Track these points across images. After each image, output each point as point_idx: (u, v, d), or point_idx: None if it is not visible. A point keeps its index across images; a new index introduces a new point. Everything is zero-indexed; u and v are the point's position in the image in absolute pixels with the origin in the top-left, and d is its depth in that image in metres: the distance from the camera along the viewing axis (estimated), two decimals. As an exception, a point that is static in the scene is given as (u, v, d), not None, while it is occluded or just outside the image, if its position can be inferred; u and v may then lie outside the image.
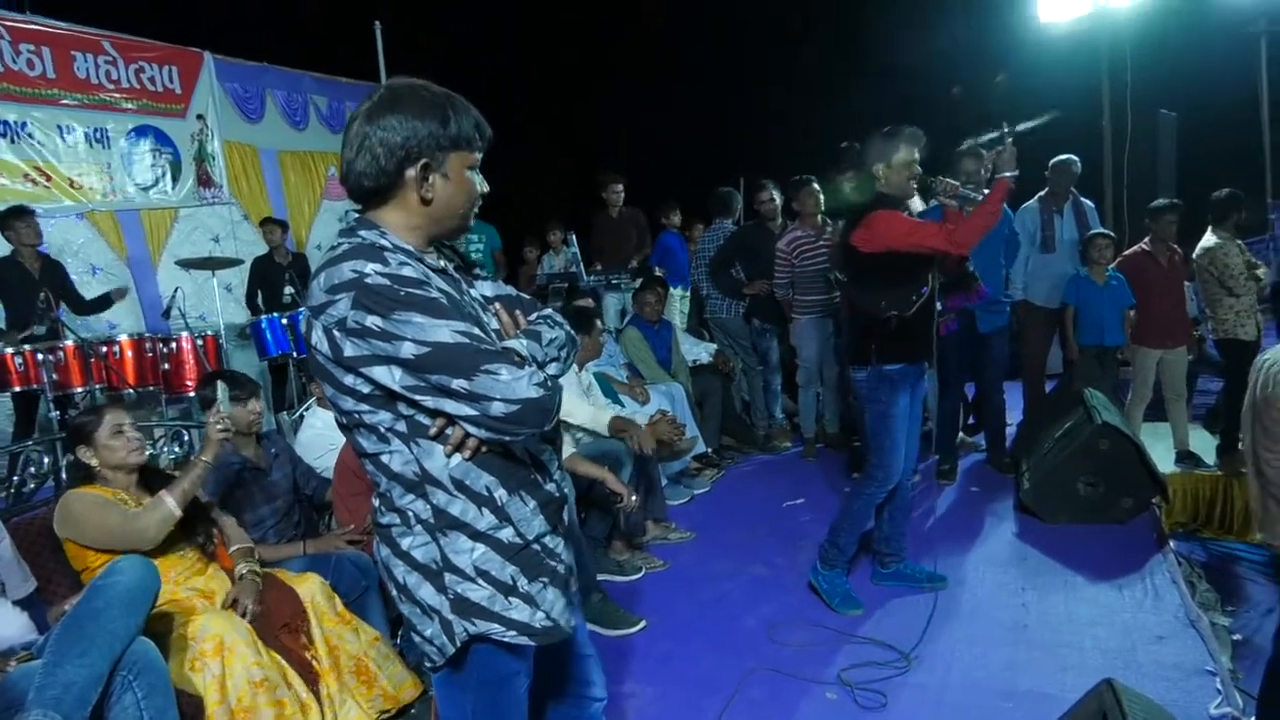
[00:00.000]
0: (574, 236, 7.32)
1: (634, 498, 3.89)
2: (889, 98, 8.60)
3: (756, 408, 6.71)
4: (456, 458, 1.75)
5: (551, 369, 1.78)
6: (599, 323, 4.69)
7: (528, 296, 1.99)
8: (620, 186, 7.74)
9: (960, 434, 6.09)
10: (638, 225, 7.84)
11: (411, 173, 1.74)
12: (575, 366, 4.66)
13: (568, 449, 4.01)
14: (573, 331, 1.92)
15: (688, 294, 7.70)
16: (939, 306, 3.90)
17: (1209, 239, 5.55)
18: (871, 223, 3.63)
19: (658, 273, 7.25)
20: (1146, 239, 5.75)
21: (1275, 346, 3.23)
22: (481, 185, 1.83)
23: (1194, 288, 6.12)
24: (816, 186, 5.87)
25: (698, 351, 6.60)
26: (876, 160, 3.68)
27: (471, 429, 1.70)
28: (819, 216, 5.93)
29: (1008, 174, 3.54)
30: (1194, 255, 5.64)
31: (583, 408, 4.52)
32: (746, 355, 6.73)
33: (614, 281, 7.35)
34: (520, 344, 1.76)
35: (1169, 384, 5.67)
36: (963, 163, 5.20)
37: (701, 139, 12.02)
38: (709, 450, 6.02)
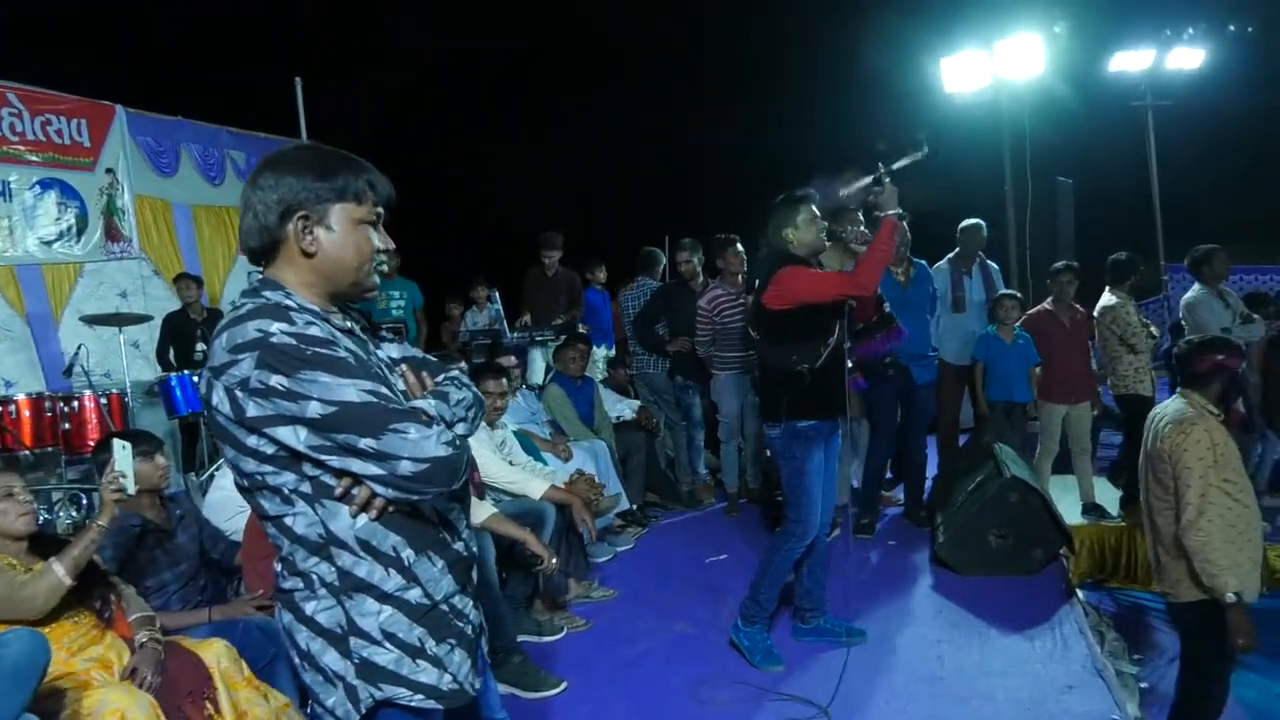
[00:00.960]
0: (498, 294, 7.31)
1: (554, 560, 3.85)
2: (812, 154, 8.86)
3: (680, 463, 6.74)
4: (362, 518, 1.72)
5: (459, 428, 1.78)
6: (505, 380, 4.67)
7: (434, 358, 2.00)
8: (557, 250, 7.78)
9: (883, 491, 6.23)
10: (570, 287, 7.92)
11: (291, 226, 1.76)
12: (487, 424, 4.61)
13: (487, 509, 3.96)
14: (479, 392, 1.93)
15: (611, 351, 7.72)
16: (849, 364, 3.99)
17: (1108, 298, 5.82)
18: (779, 280, 3.74)
19: (581, 329, 7.29)
20: (1049, 299, 6.00)
21: (1164, 401, 3.41)
22: (382, 242, 1.83)
23: (1095, 345, 6.37)
24: (740, 247, 5.98)
25: (621, 408, 6.63)
26: (784, 227, 3.82)
27: (379, 488, 1.68)
28: (740, 276, 6.05)
29: (891, 211, 3.67)
30: (1095, 314, 5.90)
31: (506, 469, 4.47)
32: (670, 411, 6.78)
33: (539, 338, 7.36)
34: (428, 404, 1.76)
35: (1074, 438, 5.87)
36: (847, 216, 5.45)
37: (628, 197, 12.25)
38: (633, 507, 6.00)
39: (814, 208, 3.81)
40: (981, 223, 6.34)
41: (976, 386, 5.96)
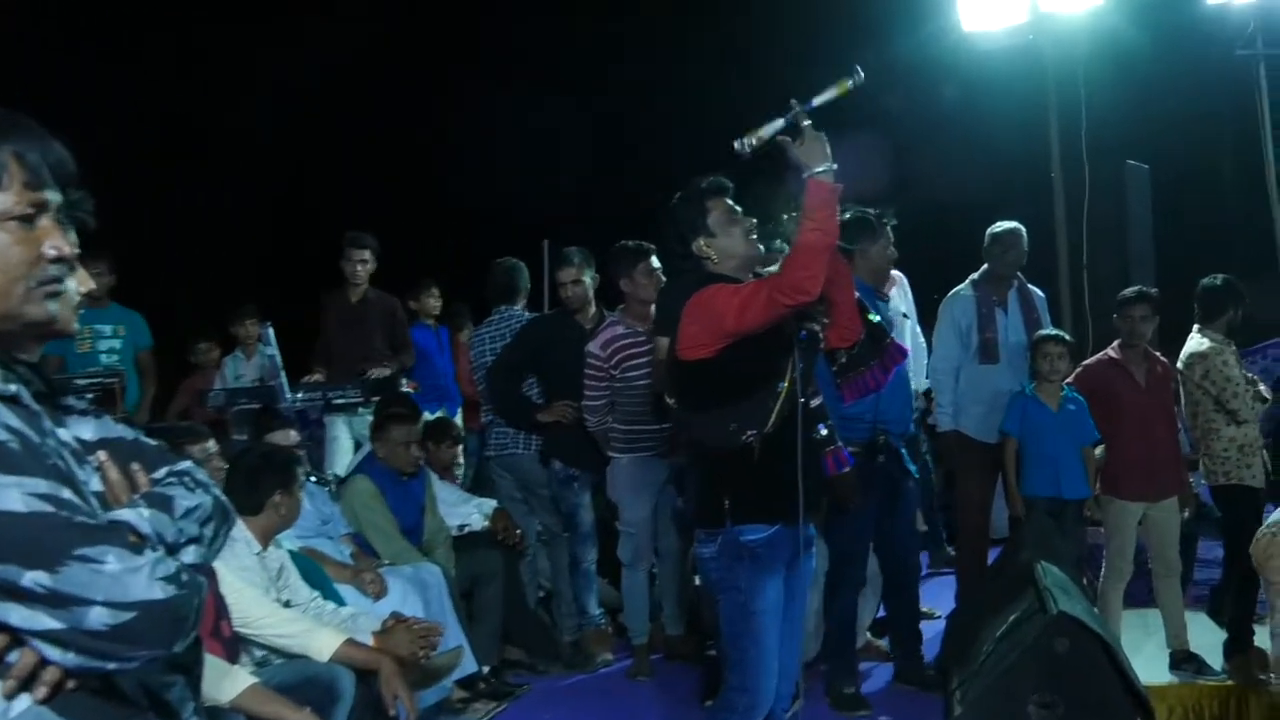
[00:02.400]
0: (272, 332, 7.22)
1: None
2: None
3: (561, 598, 6.72)
4: (22, 701, 1.68)
5: (189, 554, 1.76)
6: (299, 473, 4.62)
7: (152, 442, 1.98)
8: (367, 255, 7.76)
9: (866, 634, 6.31)
10: (390, 320, 7.88)
11: None
12: (254, 541, 4.53)
13: (242, 679, 3.88)
14: (224, 497, 1.93)
15: (455, 415, 7.69)
16: (822, 429, 4.08)
17: (1197, 342, 6.06)
18: (690, 313, 3.80)
19: (405, 387, 7.29)
20: (1115, 343, 6.22)
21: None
22: (53, 247, 1.77)
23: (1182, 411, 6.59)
24: (656, 263, 5.97)
25: (466, 512, 6.58)
26: (692, 236, 3.90)
27: (51, 651, 1.65)
28: (654, 307, 6.06)
29: (819, 169, 3.61)
30: (1179, 365, 6.12)
31: (278, 613, 4.39)
32: (545, 516, 6.77)
33: (339, 401, 7.30)
34: (138, 515, 1.74)
35: (1157, 553, 6.05)
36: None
37: (477, 188, 12.34)
38: (482, 670, 5.95)
39: (730, 200, 3.91)
40: (1021, 229, 6.52)
41: (1009, 475, 6.10)
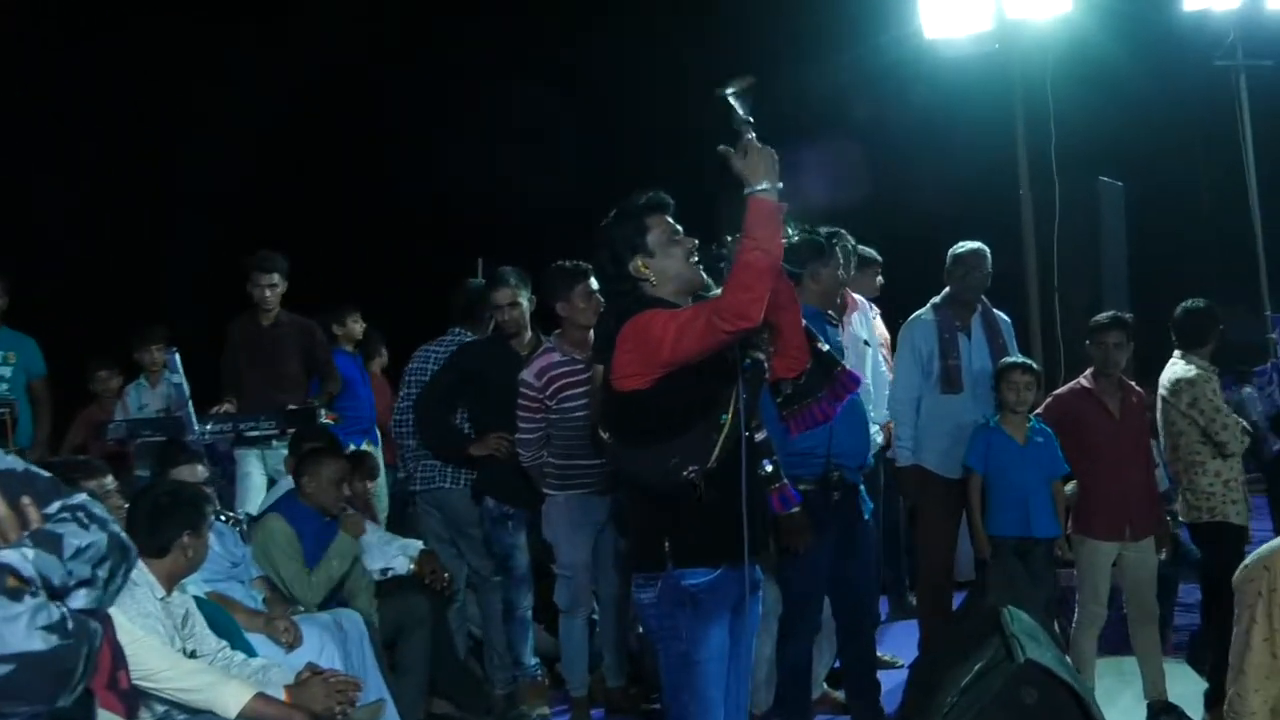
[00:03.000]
0: (179, 358, 7.19)
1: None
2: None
3: (493, 648, 6.71)
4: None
5: (79, 598, 1.76)
6: (208, 512, 4.58)
7: (45, 473, 1.97)
8: (276, 278, 7.74)
9: (822, 685, 6.33)
10: (308, 345, 7.87)
11: None
12: (157, 585, 4.49)
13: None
14: (123, 534, 1.92)
15: (376, 447, 7.74)
16: (766, 465, 4.09)
17: (1180, 368, 6.14)
18: (625, 340, 3.79)
19: (325, 418, 7.29)
20: (1088, 372, 6.29)
21: (1271, 543, 3.65)
22: None
23: (1160, 444, 6.64)
24: (594, 283, 5.94)
25: (390, 554, 6.56)
26: (627, 256, 3.89)
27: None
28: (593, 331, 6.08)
29: (760, 186, 3.61)
30: (1160, 392, 6.18)
31: (181, 664, 4.34)
32: (475, 558, 6.78)
33: (250, 433, 7.27)
34: (20, 556, 1.73)
35: (1132, 596, 6.11)
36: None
37: (405, 200, 12.44)
38: (408, 726, 5.92)
39: (671, 219, 3.91)
40: (985, 249, 6.58)
41: (974, 513, 6.14)
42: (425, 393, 6.79)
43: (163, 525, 4.54)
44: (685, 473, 3.77)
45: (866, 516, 5.82)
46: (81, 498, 1.90)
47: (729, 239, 3.93)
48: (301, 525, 6.02)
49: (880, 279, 7.67)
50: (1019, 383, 6.09)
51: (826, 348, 4.52)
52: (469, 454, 6.56)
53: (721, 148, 3.72)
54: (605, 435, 4.04)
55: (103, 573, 1.82)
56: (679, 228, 3.93)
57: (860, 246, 6.94)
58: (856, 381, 4.55)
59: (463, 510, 6.73)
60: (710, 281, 3.96)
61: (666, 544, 3.83)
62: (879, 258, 7.67)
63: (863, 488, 5.84)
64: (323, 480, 6.07)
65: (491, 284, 6.71)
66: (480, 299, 7.10)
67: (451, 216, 12.28)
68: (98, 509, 1.89)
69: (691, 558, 3.83)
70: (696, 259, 3.92)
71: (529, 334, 6.59)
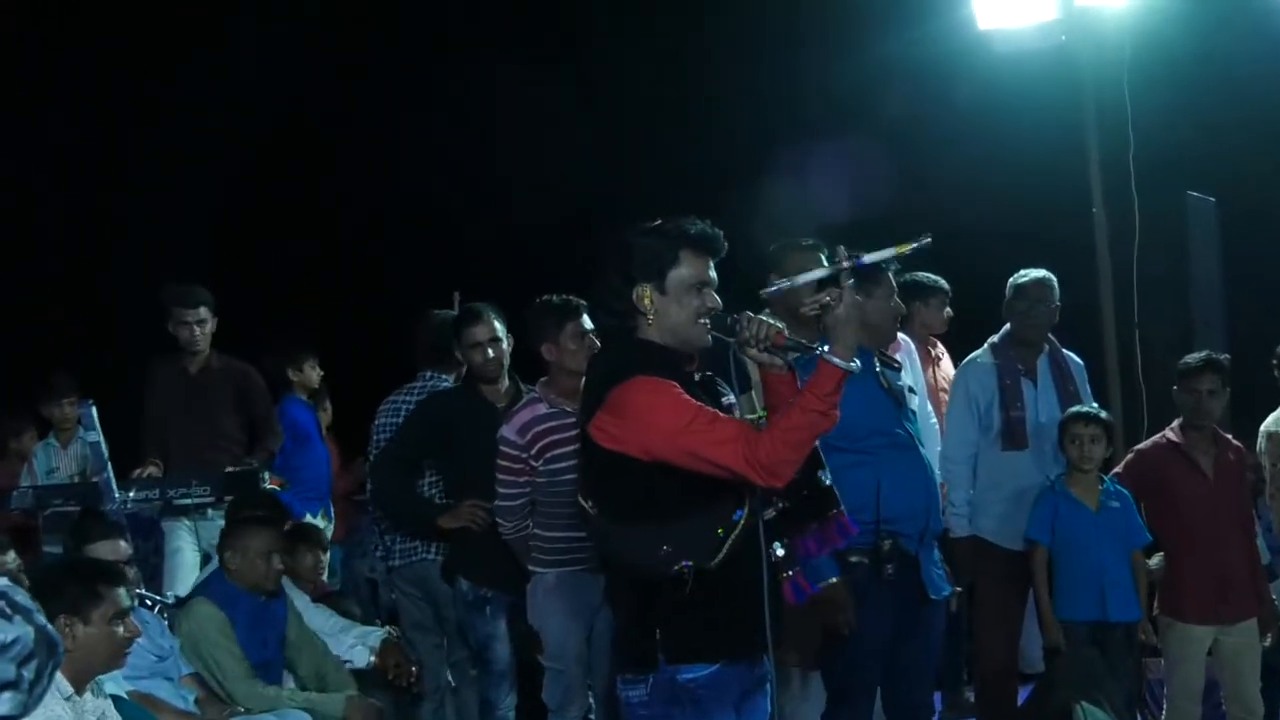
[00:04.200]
0: (95, 412, 7.17)
1: None
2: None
3: (469, 755, 6.66)
4: None
5: (4, 703, 1.80)
6: (119, 595, 4.58)
7: None
8: (203, 313, 7.74)
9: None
10: (243, 391, 7.88)
11: None
12: (64, 683, 4.46)
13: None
14: (49, 626, 1.89)
15: (330, 522, 7.78)
16: (776, 549, 4.03)
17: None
18: (621, 400, 3.74)
19: (270, 484, 7.30)
20: (1175, 423, 6.26)
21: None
22: None
23: (1264, 508, 6.67)
24: (588, 322, 5.95)
25: (347, 645, 6.57)
26: (639, 277, 3.87)
27: None
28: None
29: (838, 361, 3.66)
30: (1260, 444, 6.15)
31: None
32: (453, 647, 6.75)
33: (181, 501, 7.25)
34: None
35: (1232, 692, 6.06)
36: (789, 260, 5.57)
37: (360, 227, 12.46)
38: None
39: (712, 267, 3.90)
40: (1051, 279, 6.56)
41: (1040, 593, 6.10)
42: (383, 453, 6.84)
43: (47, 605, 4.49)
44: (677, 565, 3.76)
45: (942, 594, 5.64)
46: (2, 582, 1.90)
47: (747, 315, 3.89)
48: (234, 609, 6.00)
49: (948, 311, 7.68)
50: (1083, 435, 6.06)
51: (829, 481, 4.35)
52: (440, 525, 6.54)
53: (823, 297, 3.80)
54: (586, 504, 4.00)
55: (29, 673, 1.82)
56: (715, 279, 3.90)
57: (922, 274, 7.07)
58: (846, 538, 4.43)
59: (432, 589, 6.76)
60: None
61: (658, 634, 3.81)
62: (945, 285, 7.68)
63: (938, 556, 5.69)
64: (249, 554, 6.05)
65: (465, 319, 6.65)
66: (439, 335, 7.13)
67: (414, 242, 12.31)
68: (20, 596, 1.89)
69: (687, 652, 3.81)
70: (708, 325, 3.88)
71: (507, 382, 6.59)
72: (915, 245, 3.83)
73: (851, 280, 3.76)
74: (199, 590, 6.25)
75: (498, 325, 6.54)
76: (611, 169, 11.77)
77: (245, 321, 7.88)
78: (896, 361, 5.94)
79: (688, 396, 3.76)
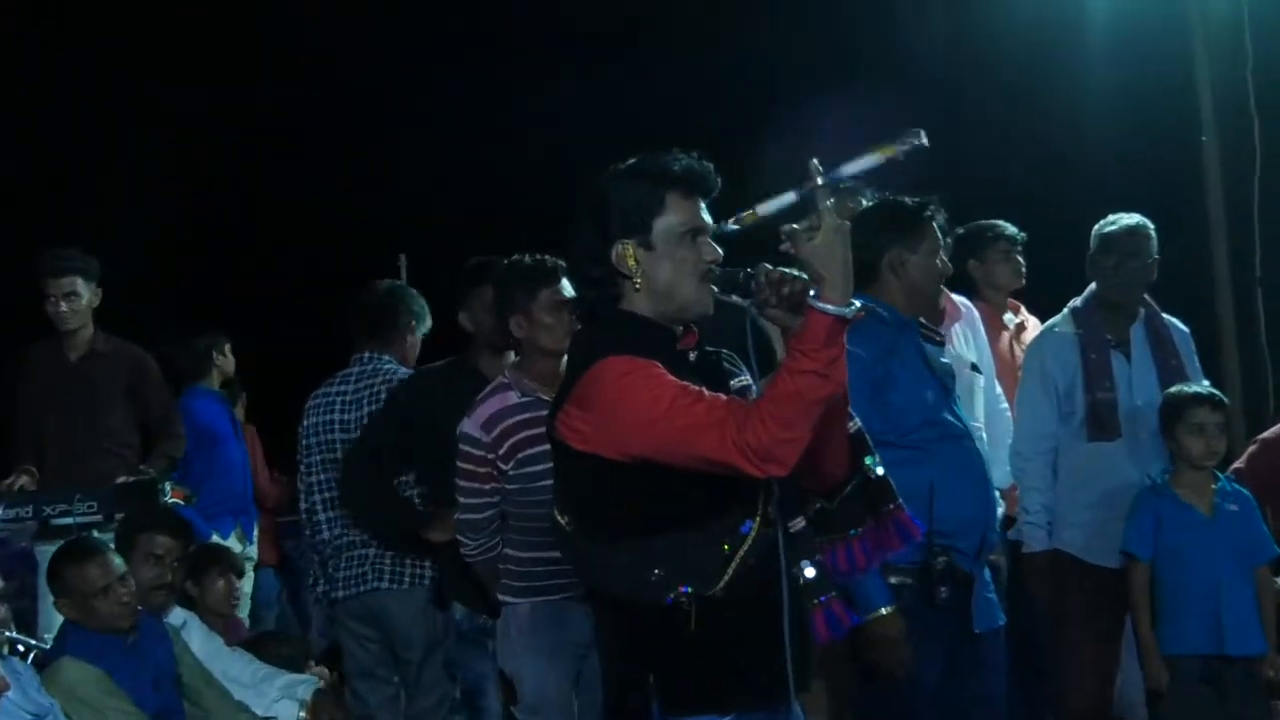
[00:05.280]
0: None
1: None
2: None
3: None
4: None
5: None
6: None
7: None
8: (78, 284, 7.69)
9: None
10: (135, 382, 7.85)
11: None
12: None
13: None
14: None
15: (250, 546, 7.92)
16: (807, 569, 3.83)
17: None
18: (589, 390, 3.61)
19: (170, 498, 7.26)
20: (1311, 405, 6.12)
21: None
22: None
23: None
24: (568, 285, 5.82)
25: (270, 697, 6.67)
26: (618, 234, 3.71)
27: None
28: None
29: (828, 307, 3.47)
30: None
31: None
32: (421, 696, 7.06)
33: (60, 521, 7.26)
34: None
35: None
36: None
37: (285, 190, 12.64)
38: None
39: (705, 209, 3.73)
40: (1148, 226, 6.45)
41: (1141, 621, 6.01)
42: (354, 451, 6.93)
43: None
44: (672, 593, 3.62)
45: (997, 624, 5.60)
46: None
47: (762, 268, 3.66)
48: (104, 661, 6.02)
49: (1021, 263, 7.58)
50: (1205, 424, 5.92)
51: (881, 471, 4.21)
52: (427, 539, 6.70)
53: (787, 227, 3.60)
54: (562, 520, 3.88)
55: None
56: (710, 224, 3.74)
57: (984, 222, 7.13)
58: (908, 539, 4.27)
59: (406, 622, 6.91)
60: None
61: (651, 680, 3.68)
62: (1011, 230, 7.58)
63: (989, 578, 5.62)
64: (77, 597, 6.13)
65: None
66: (393, 305, 7.21)
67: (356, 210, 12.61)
68: None
69: (689, 703, 3.71)
70: (711, 283, 3.75)
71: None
72: (902, 145, 3.60)
73: (831, 200, 3.56)
74: (57, 648, 6.19)
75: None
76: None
77: (139, 298, 7.78)
78: (939, 334, 5.84)
79: (670, 377, 3.59)
